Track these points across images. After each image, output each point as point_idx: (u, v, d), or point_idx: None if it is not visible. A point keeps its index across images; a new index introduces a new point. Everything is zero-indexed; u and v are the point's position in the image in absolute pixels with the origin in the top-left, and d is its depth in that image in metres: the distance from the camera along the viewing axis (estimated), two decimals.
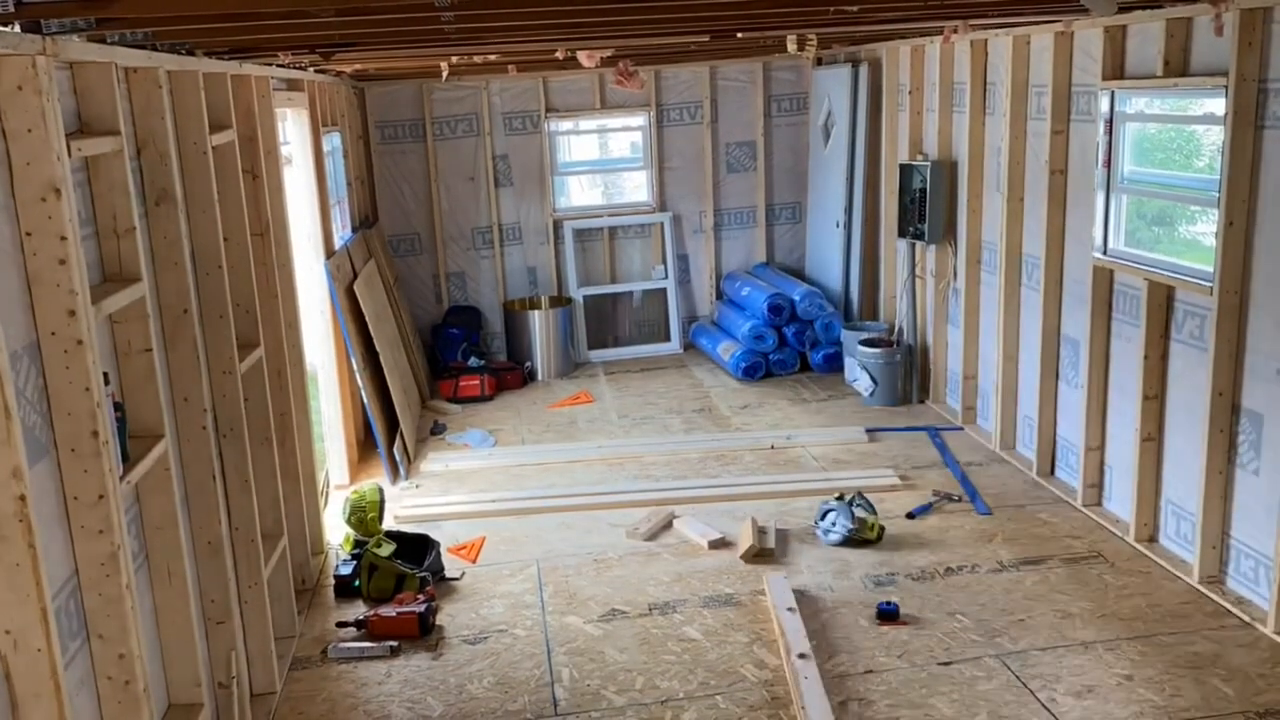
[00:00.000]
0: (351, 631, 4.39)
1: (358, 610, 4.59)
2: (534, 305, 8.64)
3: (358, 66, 6.05)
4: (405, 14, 3.25)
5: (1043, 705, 3.74)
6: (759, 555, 4.95)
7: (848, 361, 7.55)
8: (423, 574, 4.74)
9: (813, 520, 5.23)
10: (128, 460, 2.77)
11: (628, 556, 5.07)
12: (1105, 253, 5.10)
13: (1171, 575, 4.61)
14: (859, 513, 5.06)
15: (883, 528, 5.08)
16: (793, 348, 8.02)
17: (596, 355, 8.75)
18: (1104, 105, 5.01)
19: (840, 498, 5.19)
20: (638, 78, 6.93)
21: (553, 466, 6.27)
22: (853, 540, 5.01)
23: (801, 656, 3.99)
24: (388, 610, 4.43)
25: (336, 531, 5.36)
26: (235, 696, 3.57)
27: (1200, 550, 4.48)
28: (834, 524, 5.07)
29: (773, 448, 6.47)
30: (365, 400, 6.15)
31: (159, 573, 3.07)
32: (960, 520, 5.31)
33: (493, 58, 5.90)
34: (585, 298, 8.76)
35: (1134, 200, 5.11)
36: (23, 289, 2.38)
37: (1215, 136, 4.44)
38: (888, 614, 4.36)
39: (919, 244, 7.02)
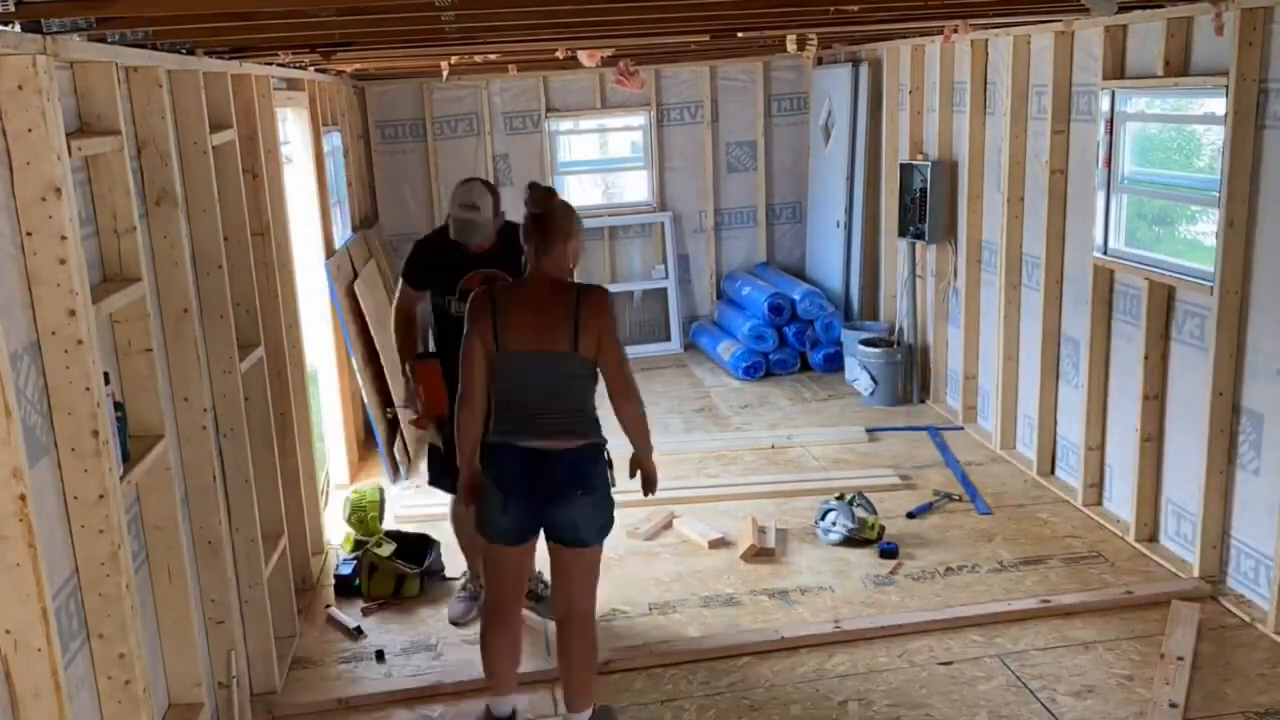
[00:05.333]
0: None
1: (356, 609, 4.60)
2: None
3: (358, 66, 6.05)
4: (405, 14, 3.25)
5: (1043, 705, 3.73)
6: (759, 555, 4.95)
7: (848, 361, 7.55)
8: (422, 573, 4.74)
9: (813, 520, 5.23)
10: (128, 460, 2.76)
11: (628, 556, 5.07)
12: (1105, 252, 5.10)
13: (1172, 575, 4.61)
14: (859, 512, 5.06)
15: (883, 527, 5.08)
16: (793, 347, 8.01)
17: None
18: (1104, 105, 5.01)
19: (840, 497, 5.19)
20: (638, 77, 6.93)
21: None
22: (853, 540, 5.01)
23: None
24: None
25: (336, 531, 5.36)
26: (235, 696, 3.57)
27: (1200, 550, 4.48)
28: (834, 523, 5.07)
29: (773, 447, 6.46)
30: (365, 400, 6.15)
31: (159, 573, 3.06)
32: (960, 520, 5.31)
33: (493, 57, 5.90)
34: None
35: (1134, 200, 5.10)
36: (23, 289, 2.38)
37: (1216, 136, 4.44)
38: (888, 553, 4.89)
39: (919, 244, 7.01)
